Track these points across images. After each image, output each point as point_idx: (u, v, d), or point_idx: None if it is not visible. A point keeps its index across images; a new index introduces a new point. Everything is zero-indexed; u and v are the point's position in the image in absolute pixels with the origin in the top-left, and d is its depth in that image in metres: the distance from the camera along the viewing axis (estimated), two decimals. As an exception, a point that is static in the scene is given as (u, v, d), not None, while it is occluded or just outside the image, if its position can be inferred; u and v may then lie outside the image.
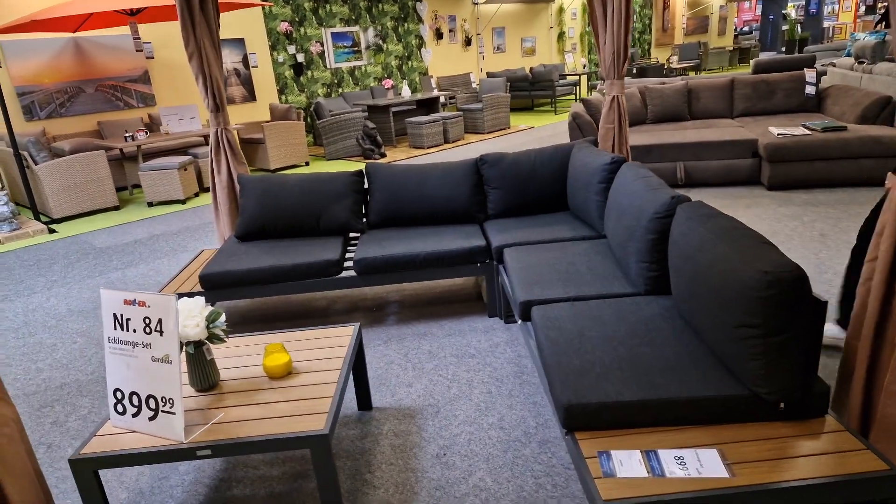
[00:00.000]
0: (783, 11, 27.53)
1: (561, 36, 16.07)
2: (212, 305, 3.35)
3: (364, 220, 3.84)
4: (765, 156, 5.56)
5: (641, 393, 1.83)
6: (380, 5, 11.65)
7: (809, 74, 6.54)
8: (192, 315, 1.85)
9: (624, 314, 2.34)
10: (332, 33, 10.91)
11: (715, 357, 1.98)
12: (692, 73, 17.14)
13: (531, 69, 14.29)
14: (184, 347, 1.89)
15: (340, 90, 11.22)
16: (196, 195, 7.43)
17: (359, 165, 8.72)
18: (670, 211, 2.42)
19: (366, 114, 9.50)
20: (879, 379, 1.99)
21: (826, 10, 29.86)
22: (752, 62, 7.29)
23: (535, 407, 2.59)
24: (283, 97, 10.35)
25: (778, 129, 5.76)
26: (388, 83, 10.28)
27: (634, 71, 14.92)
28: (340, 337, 2.45)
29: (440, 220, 3.80)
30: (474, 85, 13.13)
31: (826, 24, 28.47)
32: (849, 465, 1.62)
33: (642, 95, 7.11)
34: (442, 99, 10.88)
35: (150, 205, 7.10)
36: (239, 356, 2.36)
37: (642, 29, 18.98)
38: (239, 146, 4.32)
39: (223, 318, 1.92)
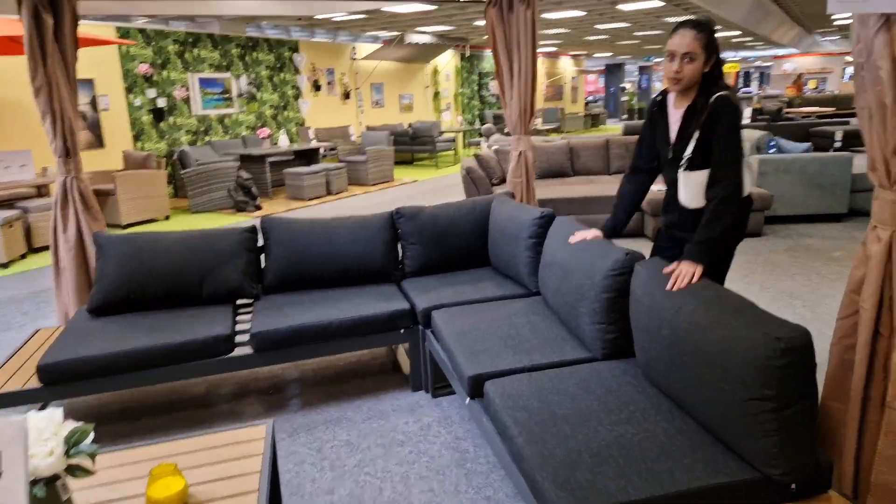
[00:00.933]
0: (621, 85, 30.79)
1: (436, 95, 16.40)
2: (58, 408, 2.60)
3: (259, 283, 3.28)
4: (648, 210, 5.74)
5: (648, 488, 1.51)
6: (254, 53, 11.10)
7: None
8: (43, 438, 1.25)
9: (590, 385, 2.05)
10: (199, 79, 10.14)
11: (707, 433, 1.72)
12: (552, 135, 18.18)
13: (410, 125, 14.33)
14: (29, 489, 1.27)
15: (208, 138, 10.39)
16: (23, 257, 6.23)
17: (229, 219, 7.95)
18: (626, 268, 2.20)
19: (238, 164, 8.79)
20: (868, 442, 1.85)
21: (655, 85, 33.98)
22: (622, 125, 7.72)
23: None
24: (140, 144, 9.33)
25: (656, 186, 6.00)
26: (264, 132, 9.68)
27: (506, 130, 15.51)
28: (249, 442, 1.89)
29: (352, 281, 3.35)
30: (353, 138, 12.86)
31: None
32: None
33: (531, 151, 7.18)
34: (322, 150, 10.43)
35: (-32, 267, 5.85)
36: (108, 484, 1.71)
37: (509, 92, 19.96)
38: (94, 199, 3.59)
39: (90, 437, 1.32)
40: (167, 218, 8.03)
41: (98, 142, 8.73)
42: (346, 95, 13.35)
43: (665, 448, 1.66)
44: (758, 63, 35.64)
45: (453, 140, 13.76)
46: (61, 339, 2.70)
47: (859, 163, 5.98)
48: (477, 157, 6.88)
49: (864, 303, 1.67)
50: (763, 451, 1.52)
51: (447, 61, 16.64)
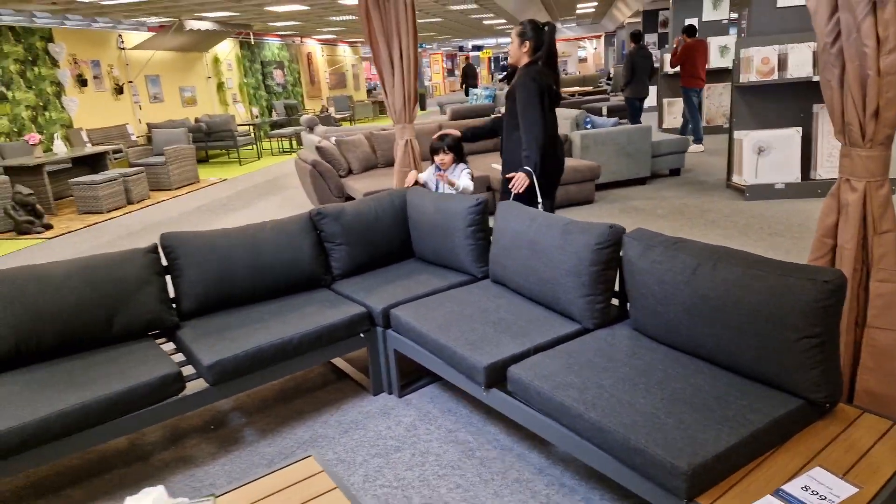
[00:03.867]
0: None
1: (220, 86, 15.20)
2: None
3: (173, 309, 2.83)
4: (499, 188, 6.13)
5: (737, 432, 1.70)
6: (-4, 43, 9.14)
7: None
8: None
9: (610, 353, 2.20)
10: (-74, 75, 8.07)
11: (743, 377, 1.98)
12: (344, 124, 18.08)
13: (197, 119, 13.10)
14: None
15: (-50, 149, 8.35)
16: None
17: (13, 244, 6.57)
18: (612, 240, 2.39)
19: (7, 177, 7.25)
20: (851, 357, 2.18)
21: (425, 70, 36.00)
22: (448, 110, 8.05)
23: (524, 485, 2.23)
24: None
25: (496, 164, 6.43)
26: (34, 138, 8.09)
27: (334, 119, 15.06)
28: (302, 483, 1.66)
29: (282, 292, 3.06)
30: (134, 137, 11.38)
31: (427, 83, 34.18)
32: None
33: (370, 141, 7.14)
34: (109, 154, 9.06)
35: None
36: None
37: (293, 82, 19.35)
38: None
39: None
40: (-79, 252, 6.33)
41: None
42: (119, 90, 11.71)
43: (721, 397, 1.87)
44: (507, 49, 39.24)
45: (249, 134, 12.95)
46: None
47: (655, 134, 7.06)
48: (319, 149, 6.62)
49: (846, 243, 2.04)
50: (812, 380, 1.80)
51: (228, 50, 15.50)
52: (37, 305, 2.43)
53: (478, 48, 38.70)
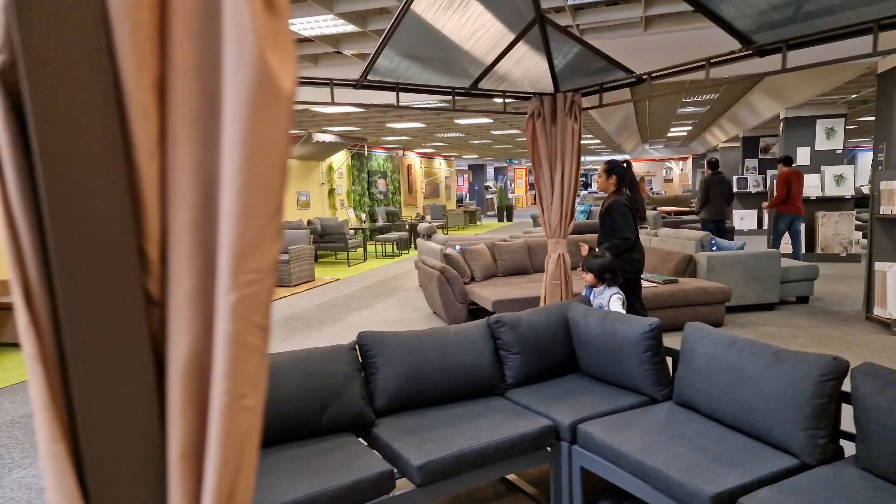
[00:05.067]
0: (486, 184, 33.13)
1: (331, 192, 16.33)
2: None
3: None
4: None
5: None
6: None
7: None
8: None
9: (845, 495, 2.09)
10: None
11: None
12: (440, 231, 18.75)
13: (310, 221, 14.01)
14: None
15: None
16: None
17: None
18: (836, 373, 2.34)
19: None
20: None
21: (513, 184, 37.28)
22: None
23: None
24: None
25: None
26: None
27: (407, 228, 15.81)
28: None
29: (462, 396, 3.13)
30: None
31: (510, 195, 35.31)
32: None
33: (491, 251, 7.39)
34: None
35: None
36: None
37: (394, 190, 20.51)
38: None
39: None
40: None
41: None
42: (248, 191, 12.80)
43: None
44: (588, 166, 40.07)
45: (357, 237, 13.67)
46: None
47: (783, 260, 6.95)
48: (447, 256, 6.91)
49: None
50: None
51: (341, 160, 16.78)
52: (269, 394, 2.61)
53: (562, 165, 39.83)
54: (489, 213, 31.71)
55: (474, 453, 2.58)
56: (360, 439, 2.82)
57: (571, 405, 3.00)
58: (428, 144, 18.94)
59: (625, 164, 4.43)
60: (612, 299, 3.69)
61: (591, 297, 3.84)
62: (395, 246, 14.73)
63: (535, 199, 23.10)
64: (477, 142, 18.00)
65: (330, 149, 14.88)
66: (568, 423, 2.84)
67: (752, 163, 15.51)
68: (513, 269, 7.37)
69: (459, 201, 28.90)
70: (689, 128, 18.68)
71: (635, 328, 3.13)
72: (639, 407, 3.01)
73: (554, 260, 4.44)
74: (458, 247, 7.27)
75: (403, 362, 3.00)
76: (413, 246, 15.79)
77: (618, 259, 4.05)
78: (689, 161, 32.46)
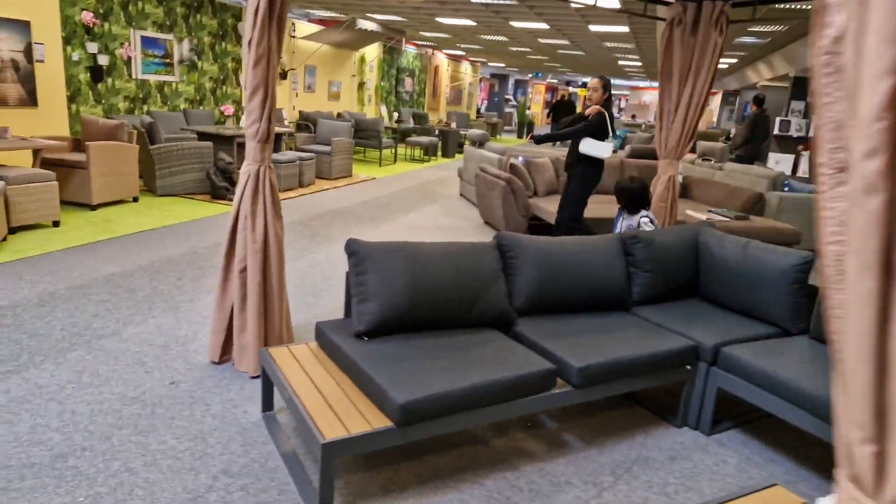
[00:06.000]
0: (506, 96, 32.10)
1: (361, 86, 15.77)
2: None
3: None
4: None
5: None
6: (198, 16, 9.81)
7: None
8: None
9: None
10: (142, 37, 8.73)
11: None
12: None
13: (338, 114, 13.61)
14: None
15: (147, 107, 8.98)
16: (3, 239, 4.93)
17: (206, 207, 6.94)
18: None
19: (211, 144, 7.72)
20: None
21: (530, 98, 36.27)
22: (629, 147, 8.04)
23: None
24: (75, 106, 7.79)
25: (696, 214, 6.37)
26: (229, 109, 8.59)
27: (437, 133, 15.44)
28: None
29: (591, 307, 3.11)
30: (286, 122, 11.91)
31: (527, 111, 34.45)
32: None
33: (555, 167, 7.22)
34: (285, 136, 9.52)
35: None
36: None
37: (419, 91, 19.86)
38: (278, 194, 2.97)
39: None
40: (135, 200, 6.79)
41: (31, 99, 7.12)
42: (283, 76, 12.32)
43: None
44: (618, 90, 39.03)
45: (394, 137, 13.35)
46: (388, 373, 2.19)
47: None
48: (513, 167, 6.75)
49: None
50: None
51: (374, 51, 16.09)
52: (421, 282, 2.56)
53: (583, 84, 38.67)
54: (506, 128, 30.94)
55: (628, 363, 2.59)
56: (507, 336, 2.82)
57: (706, 328, 2.99)
58: (463, 45, 18.12)
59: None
60: (642, 223, 3.90)
61: (620, 220, 4.07)
62: (424, 150, 14.42)
63: (548, 117, 22.40)
64: (516, 48, 17.22)
65: (367, 38, 14.18)
66: (711, 344, 2.84)
67: (799, 105, 15.06)
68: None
69: (478, 112, 28.09)
70: (735, 60, 17.96)
71: (786, 259, 3.08)
72: (776, 337, 3.01)
73: (664, 182, 4.30)
74: (521, 158, 7.09)
75: (541, 267, 2.95)
76: (440, 152, 15.46)
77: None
78: (719, 96, 31.53)
